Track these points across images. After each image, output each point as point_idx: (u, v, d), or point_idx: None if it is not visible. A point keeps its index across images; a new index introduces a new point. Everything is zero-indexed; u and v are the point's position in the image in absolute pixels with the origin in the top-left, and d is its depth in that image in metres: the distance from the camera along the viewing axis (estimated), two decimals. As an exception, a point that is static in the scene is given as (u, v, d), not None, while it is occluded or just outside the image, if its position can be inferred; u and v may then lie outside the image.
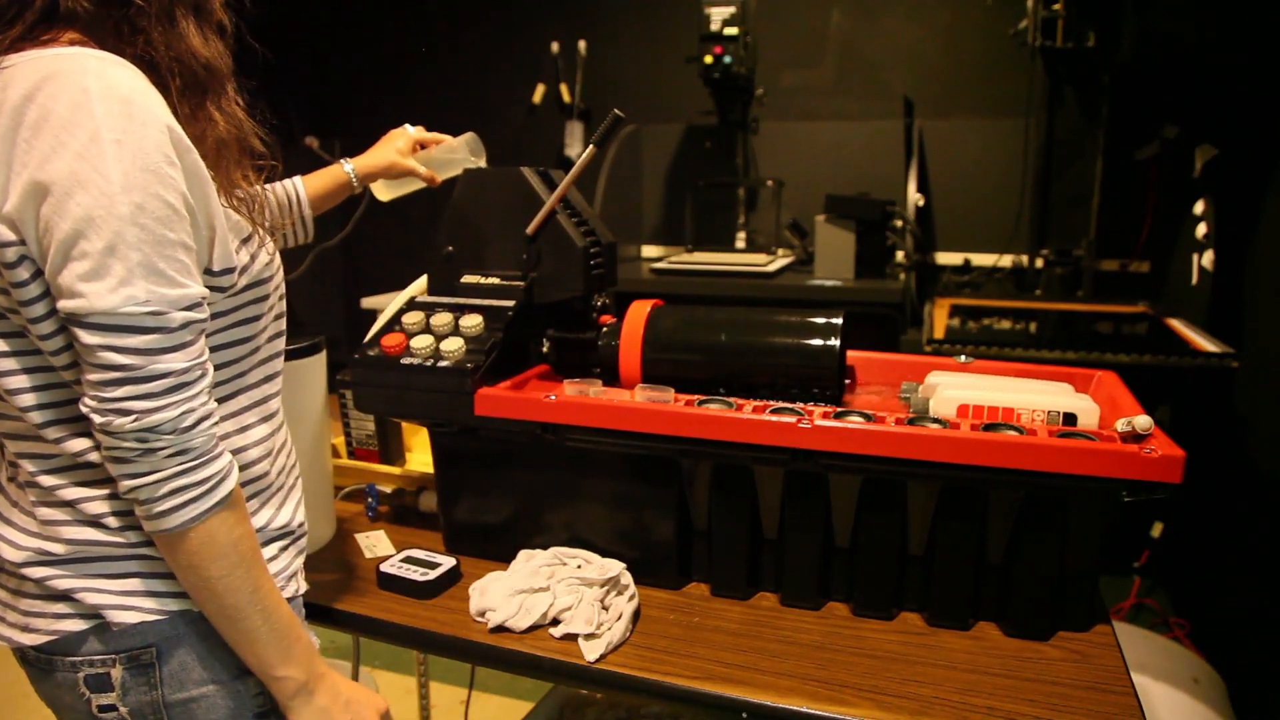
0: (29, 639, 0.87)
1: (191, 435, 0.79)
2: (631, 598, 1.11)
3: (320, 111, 4.15)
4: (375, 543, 1.33)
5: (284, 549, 0.97)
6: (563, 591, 1.11)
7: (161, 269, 0.76)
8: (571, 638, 1.06)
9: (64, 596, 0.85)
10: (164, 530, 0.80)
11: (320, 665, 0.92)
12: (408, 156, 1.38)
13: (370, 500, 1.45)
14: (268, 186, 1.22)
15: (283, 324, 1.01)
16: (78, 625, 0.86)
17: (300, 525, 1.00)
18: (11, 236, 0.75)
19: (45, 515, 0.85)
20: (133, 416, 0.76)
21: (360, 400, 1.27)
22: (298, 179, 1.32)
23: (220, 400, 0.88)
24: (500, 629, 1.09)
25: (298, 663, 0.89)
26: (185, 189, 0.79)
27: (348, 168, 1.36)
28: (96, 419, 0.77)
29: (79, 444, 0.83)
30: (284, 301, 1.01)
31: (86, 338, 0.75)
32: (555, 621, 1.09)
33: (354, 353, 1.24)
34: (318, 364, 1.32)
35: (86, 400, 0.77)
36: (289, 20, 3.89)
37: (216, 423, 0.82)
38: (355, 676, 1.78)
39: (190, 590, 0.84)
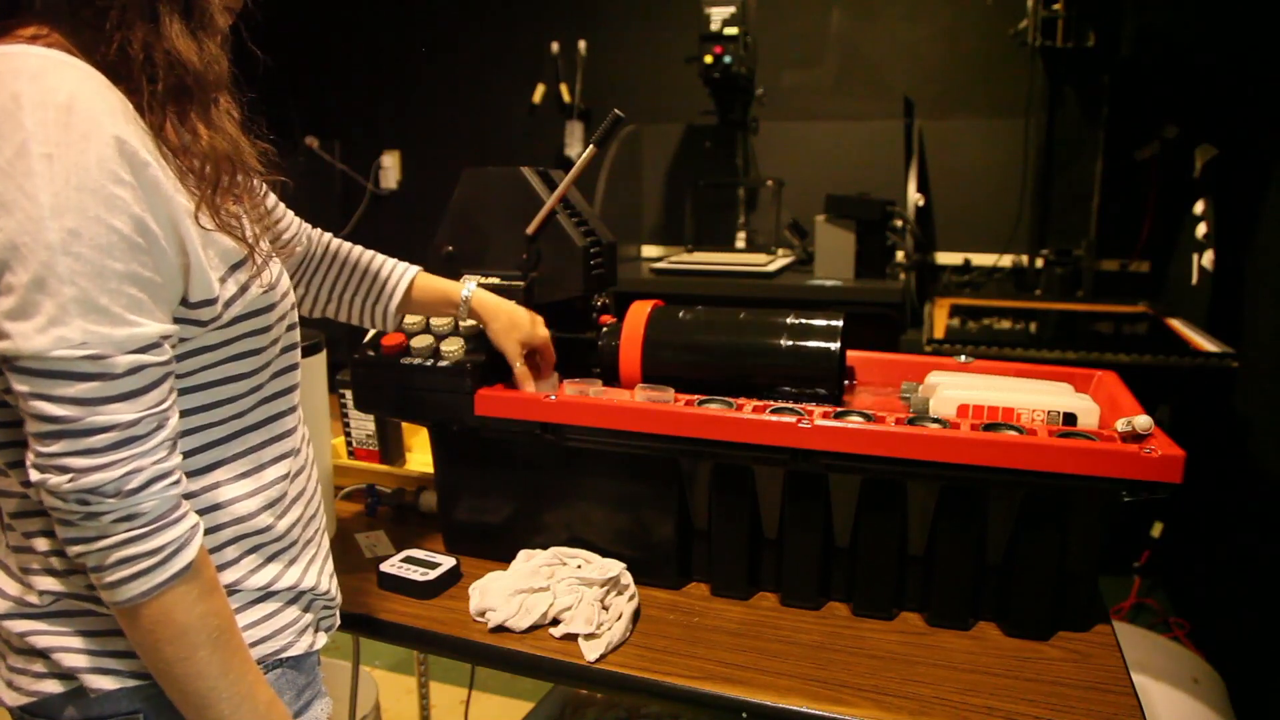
0: (10, 698, 0.80)
1: (139, 498, 0.69)
2: (631, 598, 1.11)
3: (320, 111, 4.16)
4: (375, 543, 1.33)
5: (289, 604, 0.87)
6: (563, 591, 1.11)
7: (103, 305, 0.66)
8: (571, 638, 1.06)
9: (42, 654, 0.78)
10: (116, 603, 0.71)
11: None
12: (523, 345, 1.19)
13: (370, 500, 1.45)
14: (367, 252, 1.15)
15: (294, 357, 0.90)
16: (56, 687, 0.78)
17: (316, 589, 0.90)
18: None
19: (22, 562, 0.78)
20: (69, 475, 0.67)
21: (360, 400, 1.27)
22: (415, 269, 1.17)
23: (211, 445, 0.81)
24: (500, 629, 1.09)
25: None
26: (141, 211, 0.68)
27: (465, 292, 1.17)
28: (34, 475, 0.68)
29: None
30: (295, 332, 0.90)
31: (18, 385, 0.66)
32: (555, 621, 1.09)
33: (354, 353, 1.24)
34: (318, 364, 1.31)
35: (28, 453, 0.68)
36: (289, 20, 3.89)
37: (175, 483, 0.72)
38: (355, 677, 1.78)
39: (150, 671, 0.75)
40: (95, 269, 0.66)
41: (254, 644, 0.83)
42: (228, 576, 0.82)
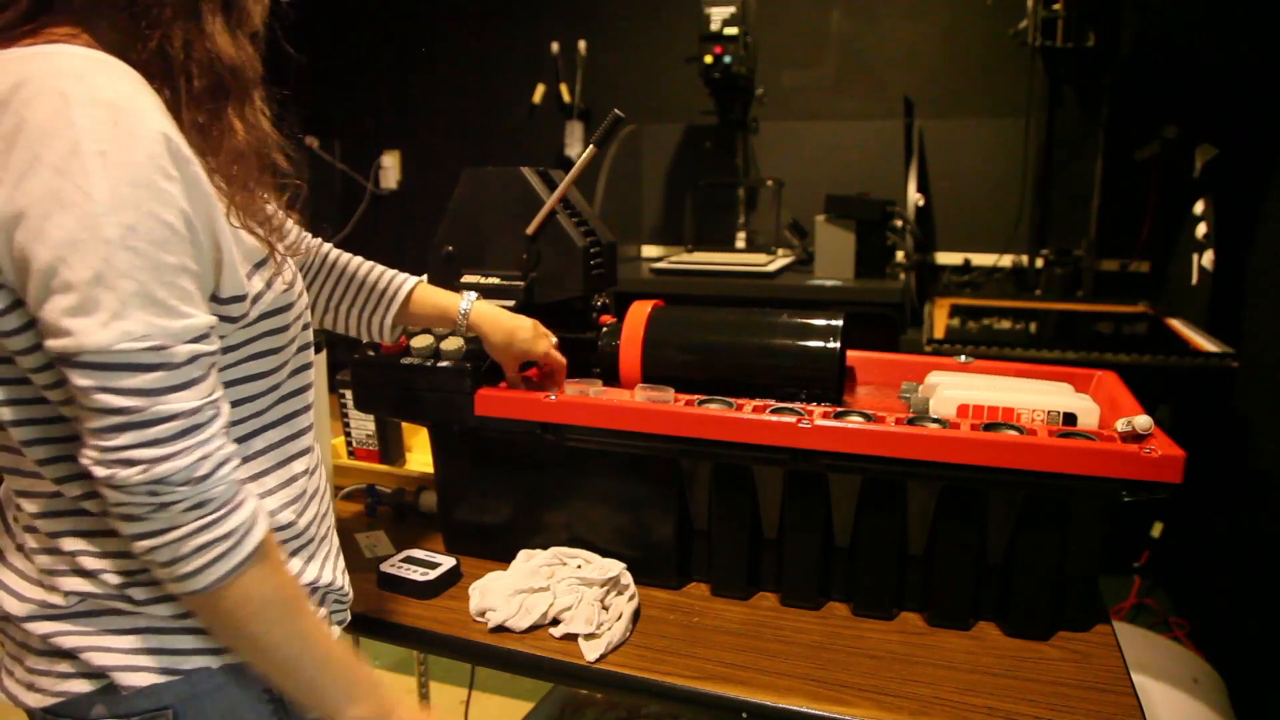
0: (33, 699, 0.80)
1: (209, 484, 0.70)
2: (631, 598, 1.11)
3: (320, 111, 4.15)
4: (375, 543, 1.33)
5: (308, 598, 0.89)
6: (563, 591, 1.11)
7: (161, 298, 0.68)
8: (571, 638, 1.06)
9: (69, 655, 0.78)
10: (192, 592, 0.72)
11: (388, 697, 0.85)
12: (524, 349, 1.18)
13: (370, 500, 1.45)
14: (366, 263, 1.15)
15: (308, 356, 0.91)
16: (84, 686, 0.78)
17: (332, 585, 0.92)
18: None
19: (45, 564, 0.79)
20: (139, 467, 0.67)
21: (360, 400, 1.27)
22: (415, 281, 1.16)
23: (235, 442, 0.80)
24: (500, 629, 1.09)
25: (364, 701, 0.83)
26: (185, 205, 0.70)
27: (464, 306, 1.17)
28: (99, 471, 0.68)
29: (78, 488, 0.75)
30: (309, 331, 0.91)
31: (79, 380, 0.66)
32: (555, 621, 1.09)
33: (354, 353, 1.24)
34: (318, 364, 1.31)
35: (86, 451, 0.68)
36: (289, 20, 3.88)
37: (237, 466, 0.74)
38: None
39: (234, 649, 0.79)
40: (152, 263, 0.67)
41: None
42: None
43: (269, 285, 0.81)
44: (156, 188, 0.68)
